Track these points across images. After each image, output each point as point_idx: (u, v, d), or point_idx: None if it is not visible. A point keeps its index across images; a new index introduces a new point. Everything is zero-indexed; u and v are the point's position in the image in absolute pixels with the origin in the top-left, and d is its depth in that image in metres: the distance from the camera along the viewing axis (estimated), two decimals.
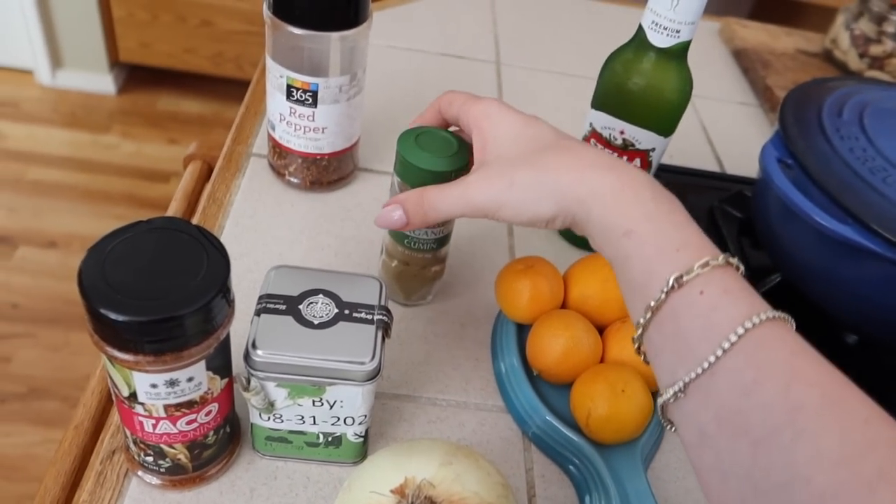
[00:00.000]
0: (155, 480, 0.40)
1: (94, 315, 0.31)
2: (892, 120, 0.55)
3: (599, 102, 0.55)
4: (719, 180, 0.72)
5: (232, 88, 2.10)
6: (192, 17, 2.02)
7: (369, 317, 0.39)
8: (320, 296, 0.39)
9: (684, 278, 0.30)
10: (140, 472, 0.40)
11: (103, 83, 2.16)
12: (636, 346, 0.34)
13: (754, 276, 0.60)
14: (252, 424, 0.41)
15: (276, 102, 0.55)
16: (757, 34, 1.00)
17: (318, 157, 0.58)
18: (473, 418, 0.47)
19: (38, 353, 1.54)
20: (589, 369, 0.45)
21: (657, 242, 0.32)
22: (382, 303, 0.40)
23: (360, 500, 0.35)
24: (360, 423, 0.40)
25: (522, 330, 0.50)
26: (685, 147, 0.77)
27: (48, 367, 1.52)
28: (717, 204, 0.67)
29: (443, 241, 0.49)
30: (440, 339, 0.52)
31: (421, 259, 0.50)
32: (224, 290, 0.33)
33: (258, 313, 0.38)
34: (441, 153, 0.45)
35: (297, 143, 0.57)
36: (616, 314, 0.49)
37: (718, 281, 0.30)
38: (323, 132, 0.56)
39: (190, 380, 0.34)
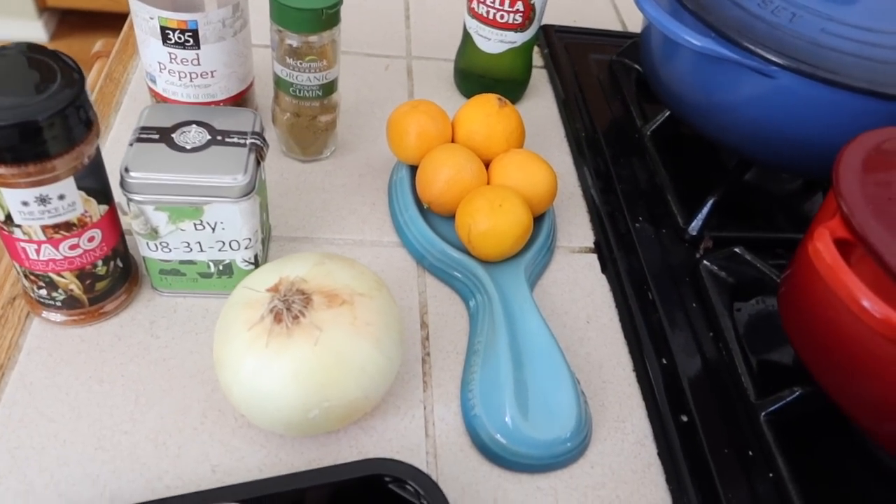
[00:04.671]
0: (54, 317, 0.42)
1: None
2: None
3: None
4: (621, 38, 0.73)
5: None
6: None
7: (242, 141, 0.40)
8: (193, 125, 0.41)
9: None
10: (43, 313, 0.42)
11: (34, 30, 2.09)
12: None
13: (646, 119, 0.62)
14: (145, 259, 0.43)
15: (151, 50, 0.48)
16: None
17: (212, 105, 0.51)
18: (369, 252, 0.50)
19: None
20: (470, 192, 0.47)
21: None
22: (256, 130, 0.41)
23: (235, 298, 0.37)
24: (246, 248, 0.42)
25: (415, 173, 0.52)
26: (588, 11, 0.78)
27: None
28: (615, 57, 0.69)
29: (328, 87, 0.50)
30: (338, 189, 0.54)
31: (309, 108, 0.51)
32: (78, 104, 0.34)
33: (131, 143, 0.40)
34: None
35: (185, 93, 0.50)
36: (501, 147, 0.51)
37: None
38: (213, 76, 0.50)
39: (61, 198, 0.36)
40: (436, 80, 0.65)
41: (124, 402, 0.40)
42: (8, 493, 0.36)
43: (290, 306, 0.35)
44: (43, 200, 0.35)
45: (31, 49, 0.35)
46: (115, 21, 2.14)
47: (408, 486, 0.34)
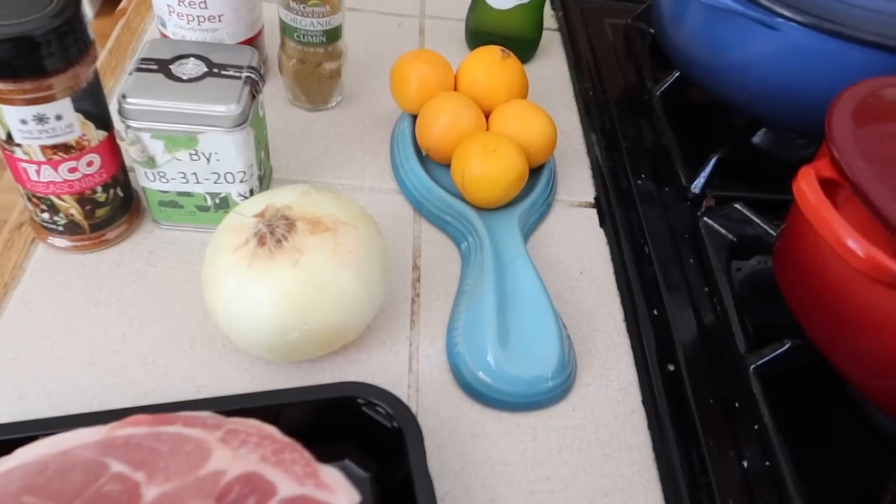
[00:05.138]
0: (59, 242, 0.43)
1: None
2: None
3: None
4: (638, 3, 0.72)
5: None
6: None
7: (238, 74, 0.41)
8: (192, 58, 0.42)
9: None
10: (48, 239, 0.43)
11: None
12: None
13: (657, 82, 0.61)
14: (144, 190, 0.44)
15: None
16: None
17: None
18: (368, 197, 0.50)
19: None
20: (467, 137, 0.48)
21: None
22: (253, 64, 0.42)
23: (225, 223, 0.38)
24: (241, 182, 0.43)
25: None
26: None
27: None
28: (630, 22, 0.68)
29: (332, 34, 0.51)
30: (341, 137, 0.54)
31: (314, 55, 0.52)
32: (74, 24, 0.35)
33: (130, 73, 0.41)
34: None
35: (193, 37, 0.51)
36: (503, 97, 0.51)
37: None
38: (220, 20, 0.51)
39: (59, 118, 0.37)
40: (447, 39, 0.65)
41: (118, 323, 0.41)
42: (3, 399, 0.37)
43: (273, 230, 0.36)
44: (41, 119, 0.37)
45: None
46: None
47: (379, 409, 0.35)
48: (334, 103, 0.56)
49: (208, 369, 0.40)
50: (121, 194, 0.43)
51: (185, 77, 0.41)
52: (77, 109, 0.37)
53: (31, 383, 0.38)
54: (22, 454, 0.29)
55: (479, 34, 0.63)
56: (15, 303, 0.41)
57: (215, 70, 0.41)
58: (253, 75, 0.42)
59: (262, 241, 0.36)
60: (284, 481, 0.29)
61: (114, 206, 0.43)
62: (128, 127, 0.40)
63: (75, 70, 0.36)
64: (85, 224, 0.43)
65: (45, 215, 0.42)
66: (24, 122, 0.36)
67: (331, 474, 0.30)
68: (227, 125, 0.40)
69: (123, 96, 0.39)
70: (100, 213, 0.43)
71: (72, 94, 0.37)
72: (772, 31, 0.47)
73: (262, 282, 0.36)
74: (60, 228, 0.42)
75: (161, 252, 0.45)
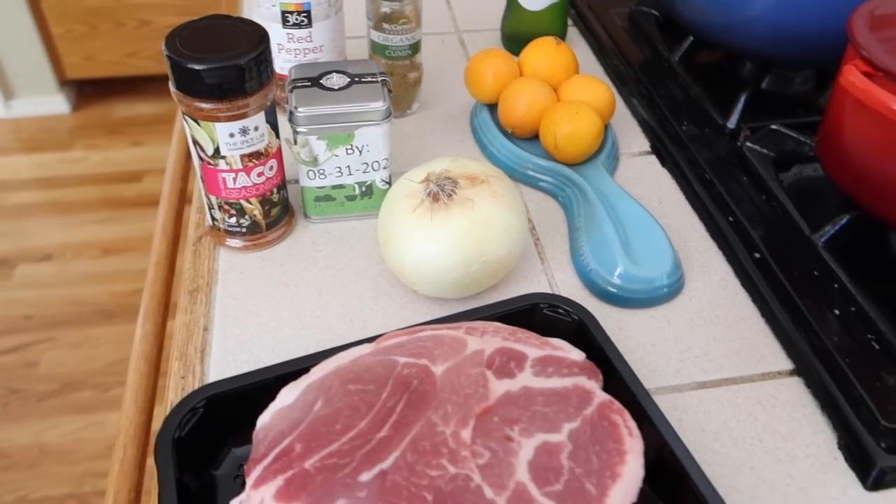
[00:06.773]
0: (235, 243, 0.51)
1: (180, 73, 0.42)
2: None
3: None
4: None
5: None
6: (129, 21, 2.09)
7: (375, 79, 0.51)
8: (334, 73, 0.51)
9: None
10: (226, 242, 0.51)
11: (56, 104, 2.21)
12: None
13: (671, 49, 0.73)
14: (303, 189, 0.52)
15: (272, 34, 0.54)
16: None
17: None
18: None
19: (61, 352, 1.63)
20: (549, 109, 0.57)
21: None
22: (381, 71, 0.52)
23: (397, 187, 0.47)
24: (384, 168, 0.52)
25: (493, 112, 0.62)
26: None
27: (74, 363, 1.61)
28: (633, 7, 0.80)
29: (416, 46, 0.61)
30: (428, 135, 0.64)
31: (401, 66, 0.61)
32: (264, 54, 0.44)
33: (291, 90, 0.50)
34: None
35: None
36: (563, 76, 0.61)
37: None
38: (321, 51, 0.59)
39: (256, 129, 0.46)
40: (486, 47, 0.76)
41: (309, 296, 0.49)
42: (243, 364, 0.45)
43: (443, 188, 0.45)
44: (244, 132, 0.45)
45: (221, 17, 0.46)
46: (126, 84, 2.27)
47: (560, 310, 0.43)
48: (415, 108, 0.66)
49: (397, 317, 0.48)
50: (286, 195, 0.52)
51: (335, 87, 0.50)
52: (267, 121, 0.46)
53: (261, 350, 0.46)
54: (320, 368, 0.37)
55: (515, 37, 0.73)
56: (221, 295, 0.49)
57: (356, 79, 0.50)
58: (386, 78, 0.51)
59: (435, 199, 0.45)
60: (529, 349, 0.37)
61: (281, 206, 0.52)
62: (298, 133, 0.49)
63: (266, 89, 0.45)
64: (263, 223, 0.51)
65: (233, 220, 0.50)
66: (231, 135, 0.45)
67: (559, 341, 0.38)
68: (378, 118, 0.49)
69: (295, 107, 0.48)
70: (273, 212, 0.51)
71: (264, 109, 0.46)
72: None
73: (446, 228, 0.44)
74: (243, 230, 0.51)
75: (321, 240, 0.53)
